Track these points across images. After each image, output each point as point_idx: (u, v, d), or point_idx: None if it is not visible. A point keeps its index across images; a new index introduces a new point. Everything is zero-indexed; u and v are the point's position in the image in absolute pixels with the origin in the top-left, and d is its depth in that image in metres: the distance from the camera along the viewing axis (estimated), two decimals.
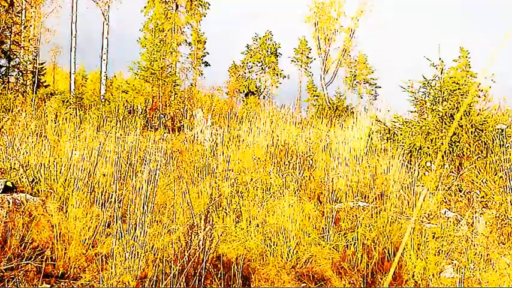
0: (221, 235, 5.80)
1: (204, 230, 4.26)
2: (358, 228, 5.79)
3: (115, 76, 36.61)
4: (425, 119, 9.90)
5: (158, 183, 4.76)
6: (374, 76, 56.64)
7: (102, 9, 27.15)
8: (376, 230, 5.81)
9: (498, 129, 9.13)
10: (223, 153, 10.06)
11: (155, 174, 4.59)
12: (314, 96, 49.59)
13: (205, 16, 34.90)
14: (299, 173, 8.47)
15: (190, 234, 4.39)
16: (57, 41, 29.24)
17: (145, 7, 33.57)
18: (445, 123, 9.34)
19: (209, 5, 35.16)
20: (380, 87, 56.40)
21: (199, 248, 4.06)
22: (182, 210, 5.93)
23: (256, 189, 7.30)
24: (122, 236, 4.48)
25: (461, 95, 9.56)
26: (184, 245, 4.32)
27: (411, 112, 10.42)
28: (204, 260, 4.00)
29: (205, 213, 5.40)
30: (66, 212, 5.58)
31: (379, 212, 6.38)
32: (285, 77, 46.70)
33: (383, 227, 5.88)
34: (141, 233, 4.43)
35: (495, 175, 8.09)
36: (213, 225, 4.96)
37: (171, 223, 5.28)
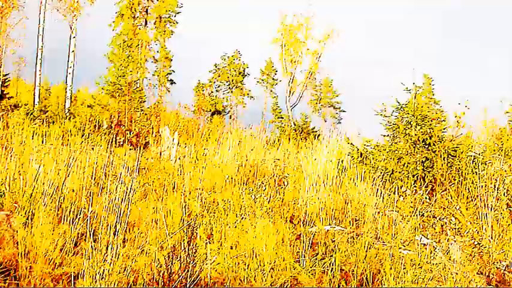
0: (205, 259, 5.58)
1: (187, 252, 4.05)
2: (335, 253, 5.63)
3: (79, 90, 36.08)
4: (397, 143, 9.85)
5: (132, 200, 4.55)
6: (339, 100, 56.88)
7: (69, 22, 26.79)
8: (354, 256, 5.67)
9: (470, 156, 9.11)
10: (190, 172, 9.87)
11: (129, 191, 4.37)
12: (279, 117, 49.58)
13: (173, 33, 34.68)
14: (271, 194, 8.31)
15: (170, 257, 4.16)
16: (21, 52, 28.68)
17: (113, 22, 33.24)
18: (418, 148, 9.30)
19: (177, 22, 34.98)
20: (344, 111, 56.58)
21: (182, 272, 3.85)
22: (155, 229, 5.71)
23: (229, 209, 7.11)
24: (92, 256, 4.24)
25: (434, 120, 9.54)
26: (165, 268, 4.09)
27: (384, 136, 10.36)
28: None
29: (181, 234, 5.20)
30: (32, 228, 5.31)
31: (356, 237, 6.24)
32: (252, 97, 46.63)
33: (359, 252, 5.74)
34: (112, 253, 4.19)
35: (468, 202, 8.04)
36: (196, 248, 4.74)
37: (145, 243, 5.05)
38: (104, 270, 4.11)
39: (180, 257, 4.13)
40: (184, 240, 4.72)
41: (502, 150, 11.33)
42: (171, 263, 4.11)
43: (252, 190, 8.37)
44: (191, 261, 4.22)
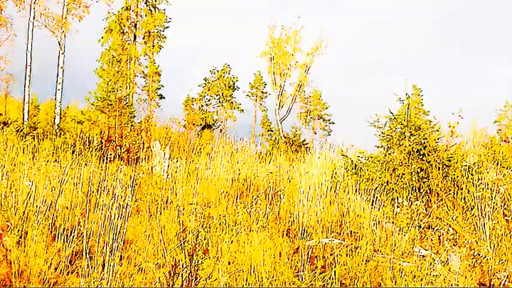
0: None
1: (189, 270, 3.95)
2: (335, 267, 5.54)
3: (68, 106, 35.88)
4: (391, 154, 9.79)
5: (128, 218, 4.45)
6: (328, 112, 56.89)
7: (58, 38, 26.68)
8: (353, 269, 5.58)
9: (465, 165, 9.07)
10: (183, 187, 9.77)
11: (125, 208, 4.27)
12: (269, 130, 49.57)
13: (162, 48, 34.68)
14: (266, 208, 8.22)
15: (172, 274, 4.05)
16: (10, 69, 28.51)
17: (102, 37, 33.18)
18: (412, 159, 9.24)
19: (166, 37, 34.97)
20: (334, 123, 56.64)
21: None
22: (151, 246, 5.60)
23: (224, 224, 7.01)
24: (88, 275, 4.13)
25: (427, 130, 9.51)
26: (166, 286, 3.99)
27: (377, 147, 10.30)
28: None
29: (177, 251, 5.10)
30: (25, 246, 5.20)
31: (355, 250, 6.16)
32: (242, 110, 46.65)
33: (359, 265, 5.66)
34: (109, 271, 4.09)
35: (465, 212, 7.99)
36: (198, 266, 4.64)
37: (143, 261, 4.95)
38: None
39: (182, 275, 4.03)
40: (185, 257, 4.63)
41: (494, 159, 11.33)
42: (173, 281, 4.01)
43: (247, 204, 8.28)
44: (193, 279, 4.12)
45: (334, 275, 5.41)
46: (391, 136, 9.77)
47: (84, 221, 6.13)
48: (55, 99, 26.86)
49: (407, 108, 9.70)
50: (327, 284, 5.48)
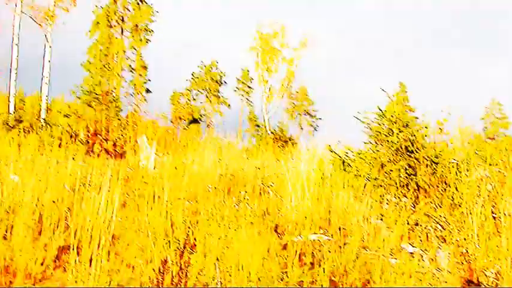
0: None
1: (179, 266, 3.90)
2: (324, 263, 5.51)
3: (54, 100, 35.71)
4: (379, 150, 9.77)
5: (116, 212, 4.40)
6: (315, 108, 56.96)
7: (45, 31, 26.50)
8: (343, 266, 5.56)
9: (453, 162, 9.07)
10: (170, 182, 9.71)
11: (114, 202, 4.22)
12: (255, 126, 49.58)
13: (149, 42, 34.60)
14: (255, 203, 8.20)
15: (161, 271, 4.00)
16: None
17: (89, 31, 33.07)
18: (400, 156, 9.24)
19: (153, 31, 34.87)
20: (320, 118, 56.73)
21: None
22: (140, 241, 5.55)
23: (212, 219, 6.95)
24: (76, 270, 4.07)
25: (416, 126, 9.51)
26: (155, 283, 3.94)
27: (365, 144, 10.28)
28: None
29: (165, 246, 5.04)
30: (11, 241, 5.14)
31: (344, 246, 6.14)
32: (229, 105, 46.63)
33: (348, 262, 5.64)
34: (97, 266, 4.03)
35: (453, 209, 7.99)
36: (189, 262, 4.59)
37: (131, 257, 4.90)
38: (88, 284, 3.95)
39: (172, 271, 3.98)
40: (176, 254, 4.58)
41: (481, 157, 11.36)
42: (162, 278, 3.96)
43: (235, 199, 8.25)
44: (184, 276, 4.07)
45: (323, 271, 5.38)
46: (379, 133, 9.76)
47: (72, 215, 6.07)
48: (41, 92, 26.71)
49: (396, 104, 9.71)
50: (316, 281, 5.45)
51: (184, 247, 4.96)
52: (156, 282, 4.00)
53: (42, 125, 19.82)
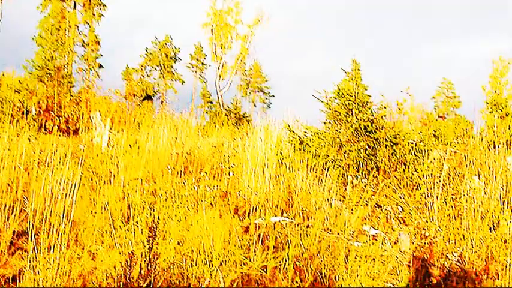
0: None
1: (148, 257, 3.73)
2: (288, 247, 5.40)
3: (3, 74, 34.87)
4: (338, 130, 9.70)
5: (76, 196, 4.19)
6: (268, 85, 56.82)
7: None
8: (307, 251, 5.47)
9: (411, 143, 9.07)
10: (124, 161, 9.47)
11: (74, 185, 4.02)
12: (209, 102, 49.26)
13: (102, 16, 34.02)
14: (214, 184, 8.05)
15: (128, 262, 3.81)
16: None
17: (41, 4, 32.25)
18: (359, 136, 9.19)
19: (106, 6, 34.27)
20: (274, 96, 56.64)
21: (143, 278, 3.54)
22: (98, 225, 5.34)
23: (170, 201, 6.77)
24: (34, 258, 3.86)
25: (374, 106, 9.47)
26: (122, 275, 3.76)
27: (324, 123, 10.19)
28: None
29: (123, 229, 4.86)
30: None
31: (306, 229, 6.04)
32: (183, 82, 46.14)
33: (311, 245, 5.55)
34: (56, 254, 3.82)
35: (412, 191, 7.99)
36: (158, 254, 4.41)
37: (93, 244, 4.69)
38: (48, 273, 3.75)
39: (141, 264, 3.80)
40: (139, 242, 4.40)
41: (435, 136, 11.43)
42: (129, 269, 3.77)
43: (194, 180, 8.10)
44: (154, 267, 3.90)
45: (288, 256, 5.28)
46: (338, 112, 9.68)
47: (27, 198, 5.80)
48: None
49: (356, 84, 9.64)
50: (280, 265, 5.34)
51: (155, 236, 4.77)
52: (123, 273, 3.82)
53: None
